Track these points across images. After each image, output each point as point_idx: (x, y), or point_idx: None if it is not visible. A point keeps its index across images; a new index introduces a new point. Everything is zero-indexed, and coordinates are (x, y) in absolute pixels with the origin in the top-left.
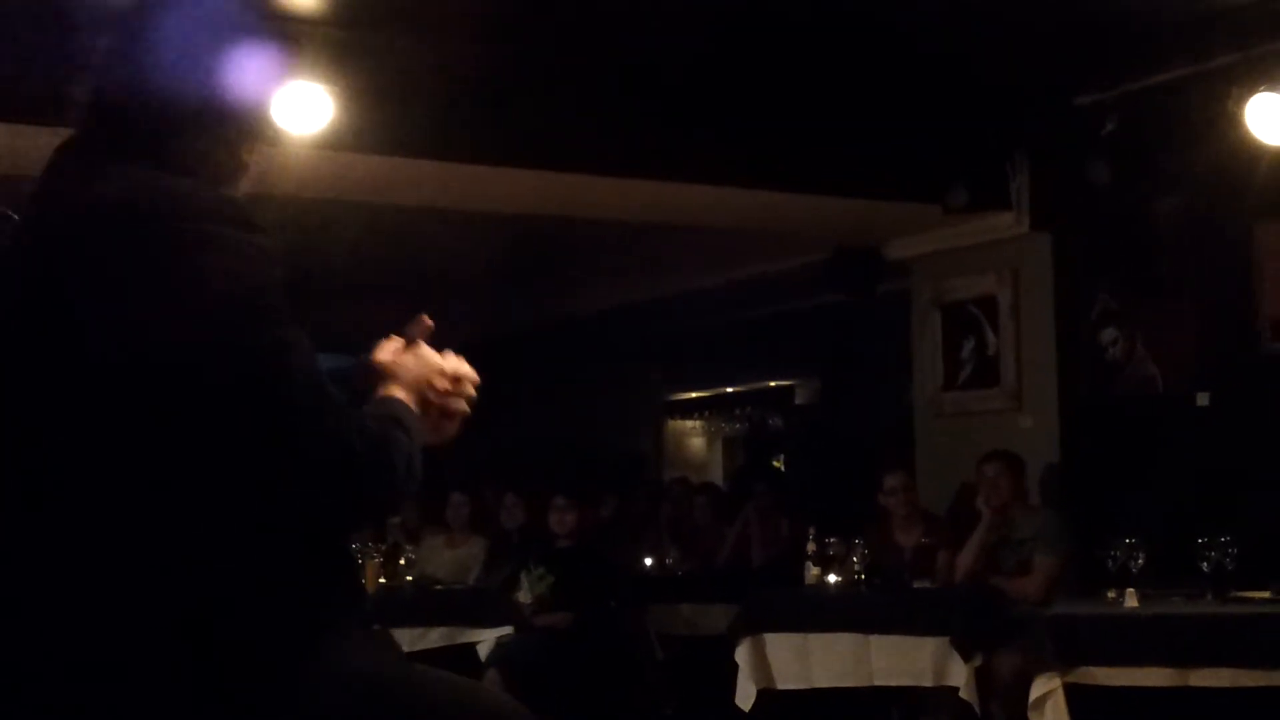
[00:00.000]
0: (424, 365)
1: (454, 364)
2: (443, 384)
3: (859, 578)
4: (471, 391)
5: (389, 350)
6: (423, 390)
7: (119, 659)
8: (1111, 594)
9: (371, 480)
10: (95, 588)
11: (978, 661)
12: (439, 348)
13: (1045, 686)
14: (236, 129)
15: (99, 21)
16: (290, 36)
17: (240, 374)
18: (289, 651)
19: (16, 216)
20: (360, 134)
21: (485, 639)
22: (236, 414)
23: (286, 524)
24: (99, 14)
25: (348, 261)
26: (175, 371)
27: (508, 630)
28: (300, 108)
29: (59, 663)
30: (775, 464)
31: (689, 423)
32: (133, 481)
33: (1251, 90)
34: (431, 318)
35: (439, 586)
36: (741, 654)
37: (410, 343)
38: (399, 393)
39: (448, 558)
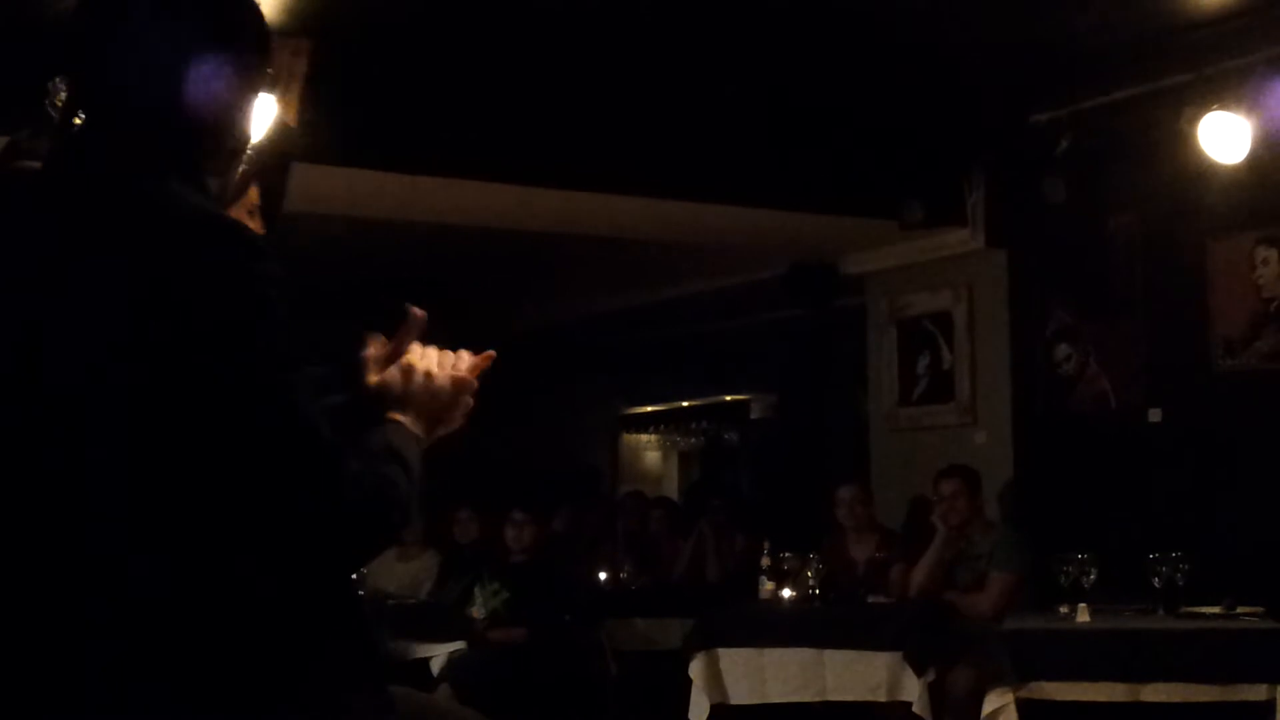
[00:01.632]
0: (426, 392)
1: (449, 373)
2: (446, 402)
3: (813, 592)
4: (471, 395)
5: (380, 368)
6: (428, 414)
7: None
8: (1064, 609)
9: (362, 533)
10: (82, 630)
11: (931, 676)
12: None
13: (998, 701)
14: (233, 139)
15: (88, 29)
16: (270, 47)
17: (244, 419)
18: (283, 698)
19: None
20: (319, 146)
21: (438, 654)
22: (234, 461)
23: (276, 569)
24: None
25: (305, 274)
26: (184, 407)
27: (460, 645)
28: (260, 119)
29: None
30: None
31: (644, 437)
32: (118, 517)
33: (1204, 109)
34: (387, 331)
35: (391, 600)
36: (695, 669)
37: (399, 345)
38: (403, 416)
39: (399, 571)
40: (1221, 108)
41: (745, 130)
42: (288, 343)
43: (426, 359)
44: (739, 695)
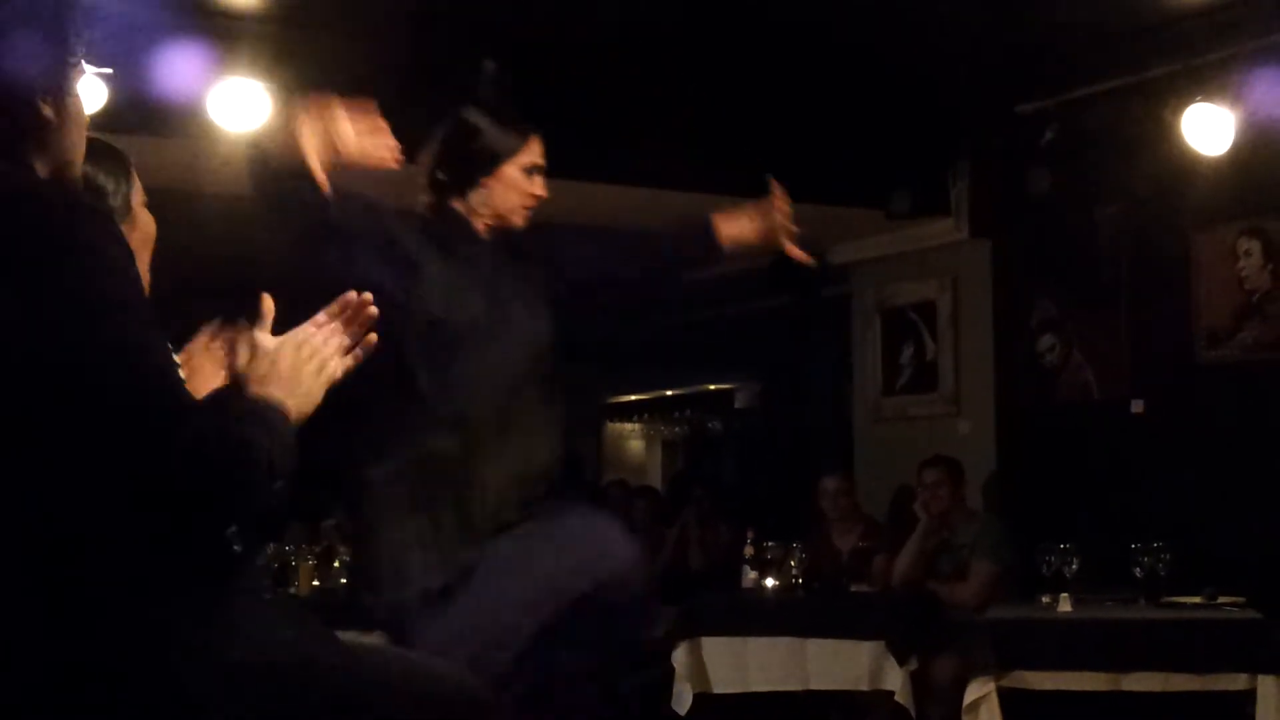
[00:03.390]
0: (288, 371)
1: (309, 347)
2: (309, 379)
3: (796, 581)
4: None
5: (244, 353)
6: (291, 390)
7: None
8: (1046, 599)
9: (226, 481)
10: None
11: (913, 665)
12: None
13: (980, 690)
14: (50, 127)
15: None
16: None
17: (98, 380)
18: (163, 644)
19: None
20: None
21: None
22: (93, 418)
23: (144, 524)
24: None
25: (282, 261)
26: (35, 376)
27: None
28: (238, 104)
29: None
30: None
31: (628, 425)
32: None
33: (1189, 101)
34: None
35: None
36: (678, 658)
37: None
38: (269, 392)
39: None
40: (1206, 99)
41: (730, 119)
42: (143, 303)
43: (286, 340)
44: (722, 684)
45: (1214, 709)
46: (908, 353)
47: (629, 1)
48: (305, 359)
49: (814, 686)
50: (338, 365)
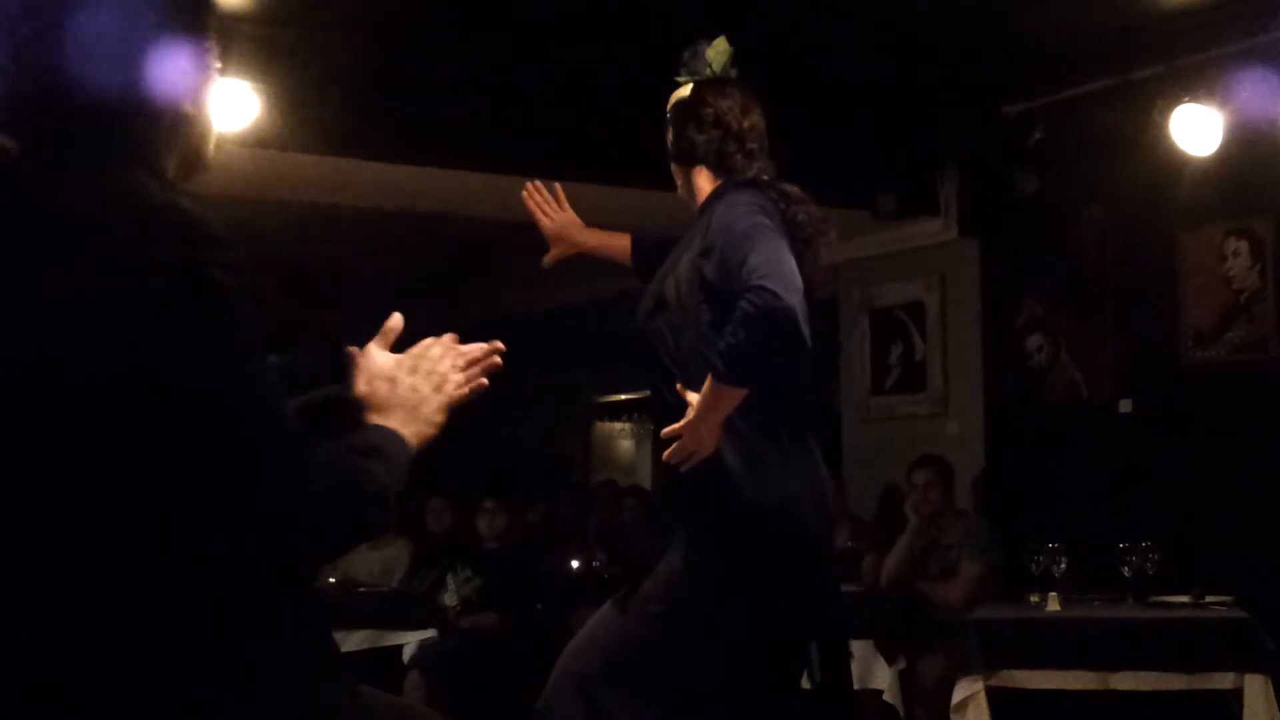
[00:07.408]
0: (411, 400)
1: (435, 378)
2: (432, 410)
3: None
4: (475, 363)
5: (364, 377)
6: (414, 420)
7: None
8: (1034, 598)
9: (327, 522)
10: (42, 632)
11: (901, 665)
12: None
13: (968, 690)
14: (194, 125)
15: (35, 16)
16: (219, 24)
17: (206, 412)
18: (239, 693)
19: None
20: (287, 132)
21: (408, 641)
22: (197, 453)
23: (240, 562)
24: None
25: (271, 261)
26: (146, 404)
27: (431, 633)
28: (226, 104)
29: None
30: None
31: (617, 425)
32: (83, 515)
33: (1176, 102)
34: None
35: (362, 589)
36: None
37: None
38: (389, 419)
39: (371, 559)
40: (1193, 100)
41: None
42: (250, 332)
43: (413, 368)
44: None
45: (1201, 708)
46: (896, 352)
47: (609, 2)
48: (423, 380)
49: (802, 685)
50: (457, 385)
